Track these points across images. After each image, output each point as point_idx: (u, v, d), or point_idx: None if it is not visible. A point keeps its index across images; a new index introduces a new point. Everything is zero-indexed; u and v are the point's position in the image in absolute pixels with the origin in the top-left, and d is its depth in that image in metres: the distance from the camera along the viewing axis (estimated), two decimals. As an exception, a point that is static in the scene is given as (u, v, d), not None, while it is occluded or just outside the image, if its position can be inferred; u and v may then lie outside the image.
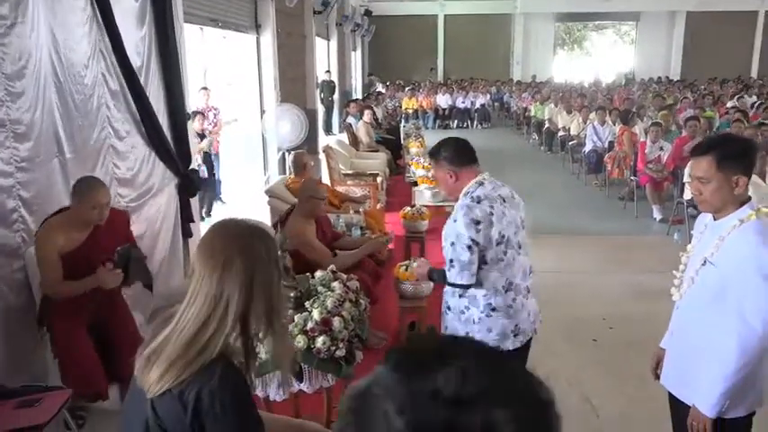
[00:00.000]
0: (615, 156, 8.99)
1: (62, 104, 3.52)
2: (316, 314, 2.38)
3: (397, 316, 4.08)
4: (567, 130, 12.35)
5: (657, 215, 7.85)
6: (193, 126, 7.13)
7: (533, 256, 2.86)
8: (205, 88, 7.81)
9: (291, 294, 2.51)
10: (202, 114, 7.33)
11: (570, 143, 11.72)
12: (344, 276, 2.73)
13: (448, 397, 0.61)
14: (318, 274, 2.75)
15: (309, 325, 2.36)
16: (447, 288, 2.72)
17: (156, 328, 1.48)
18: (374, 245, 4.21)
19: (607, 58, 29.80)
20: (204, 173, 7.31)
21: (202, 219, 7.44)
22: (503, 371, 0.66)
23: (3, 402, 2.58)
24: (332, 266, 2.81)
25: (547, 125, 13.94)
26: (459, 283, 2.59)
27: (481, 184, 2.66)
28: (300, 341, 2.32)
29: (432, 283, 3.92)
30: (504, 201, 2.67)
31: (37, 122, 3.25)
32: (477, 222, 2.53)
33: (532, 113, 15.75)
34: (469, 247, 2.53)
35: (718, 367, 2.03)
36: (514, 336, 2.66)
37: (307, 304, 2.47)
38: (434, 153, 2.76)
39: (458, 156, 2.70)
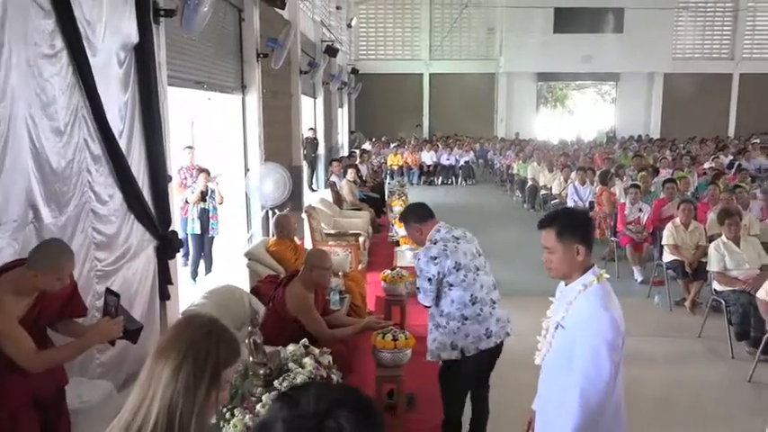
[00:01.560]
0: (596, 216, 9.10)
1: (38, 169, 3.52)
2: (285, 393, 2.34)
3: (375, 384, 4.02)
4: (550, 188, 12.52)
5: (638, 276, 7.89)
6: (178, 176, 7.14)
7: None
8: (190, 147, 7.86)
9: (261, 371, 2.47)
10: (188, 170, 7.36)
11: (552, 201, 11.86)
12: (317, 351, 2.70)
13: (310, 412, 1.05)
14: (291, 348, 2.72)
15: (278, 405, 2.31)
16: (431, 311, 3.59)
17: None
18: (368, 326, 4.17)
19: (589, 116, 30.54)
20: (197, 229, 7.28)
21: (194, 280, 7.37)
22: (342, 391, 1.13)
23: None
24: (304, 341, 2.78)
25: (530, 183, 14.13)
26: (425, 304, 3.58)
27: (438, 230, 3.65)
28: (268, 422, 2.26)
29: (409, 351, 3.91)
30: (458, 239, 3.62)
31: (6, 188, 3.20)
32: (435, 258, 3.48)
33: (515, 171, 15.98)
34: (429, 279, 3.48)
35: (568, 425, 2.15)
36: (487, 337, 3.47)
37: (276, 383, 2.43)
38: (403, 218, 3.80)
39: (419, 215, 3.73)
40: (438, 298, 3.55)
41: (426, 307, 3.64)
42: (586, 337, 2.16)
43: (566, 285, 2.36)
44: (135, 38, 4.65)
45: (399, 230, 7.65)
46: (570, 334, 2.23)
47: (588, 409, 2.12)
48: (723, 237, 5.93)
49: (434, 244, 3.56)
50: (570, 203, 10.25)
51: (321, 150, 15.75)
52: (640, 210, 8.20)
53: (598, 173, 10.63)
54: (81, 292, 3.80)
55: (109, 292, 3.22)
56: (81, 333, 3.05)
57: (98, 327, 2.95)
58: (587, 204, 9.89)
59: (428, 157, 19.27)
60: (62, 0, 3.63)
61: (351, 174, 10.74)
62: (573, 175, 11.25)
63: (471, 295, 3.49)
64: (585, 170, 10.78)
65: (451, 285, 3.49)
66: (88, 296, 3.94)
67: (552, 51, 23.85)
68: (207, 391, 1.44)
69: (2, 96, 3.18)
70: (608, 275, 2.34)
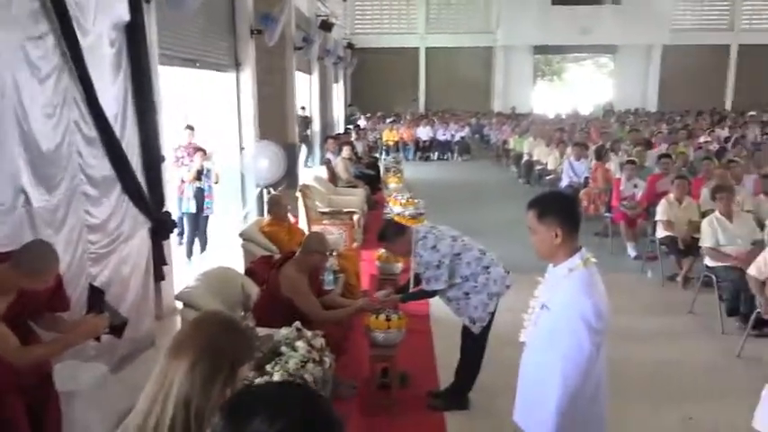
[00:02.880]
0: (590, 192, 9.11)
1: (27, 152, 3.51)
2: (277, 377, 2.38)
3: (368, 364, 4.08)
4: (545, 163, 12.51)
5: (632, 252, 7.94)
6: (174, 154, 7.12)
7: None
8: (190, 127, 7.82)
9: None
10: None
11: (547, 177, 11.86)
12: (309, 334, 2.73)
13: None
14: (283, 331, 2.75)
15: (270, 388, 2.35)
16: (450, 294, 3.94)
17: None
18: (362, 308, 4.22)
19: (586, 89, 30.33)
20: (192, 208, 7.28)
21: (189, 259, 7.39)
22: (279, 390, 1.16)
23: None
24: (297, 324, 2.82)
25: (526, 158, 14.11)
26: (439, 288, 3.90)
27: (417, 231, 4.06)
28: (260, 406, 2.31)
29: (402, 330, 3.97)
30: (433, 227, 4.13)
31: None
32: (434, 246, 3.89)
33: (511, 146, 15.95)
34: (438, 266, 3.85)
35: (547, 403, 2.23)
36: (507, 273, 3.96)
37: (268, 367, 2.47)
38: (385, 239, 4.16)
39: (397, 230, 4.16)
40: (452, 276, 3.88)
41: (435, 293, 3.98)
42: (568, 321, 2.21)
43: (553, 267, 2.40)
44: (126, 17, 4.61)
45: (395, 208, 7.66)
46: (554, 316, 2.28)
47: (568, 389, 2.19)
48: (716, 212, 5.96)
49: (424, 238, 3.93)
50: (565, 179, 10.24)
51: (317, 128, 15.68)
52: (635, 186, 8.20)
53: (593, 148, 10.61)
54: (74, 275, 3.84)
55: (93, 288, 3.22)
56: (64, 328, 3.06)
57: (84, 323, 2.96)
58: (582, 180, 9.89)
59: (424, 133, 19.20)
60: (49, -19, 3.60)
61: (346, 151, 10.71)
62: (568, 150, 11.23)
63: (478, 250, 3.98)
64: (581, 145, 10.76)
65: (459, 255, 3.90)
66: (81, 280, 3.97)
67: (550, 23, 23.65)
68: (222, 387, 1.46)
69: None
70: (595, 260, 2.36)
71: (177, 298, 4.05)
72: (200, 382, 1.42)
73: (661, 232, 6.90)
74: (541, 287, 2.50)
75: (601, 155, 9.78)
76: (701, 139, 13.13)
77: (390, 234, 4.10)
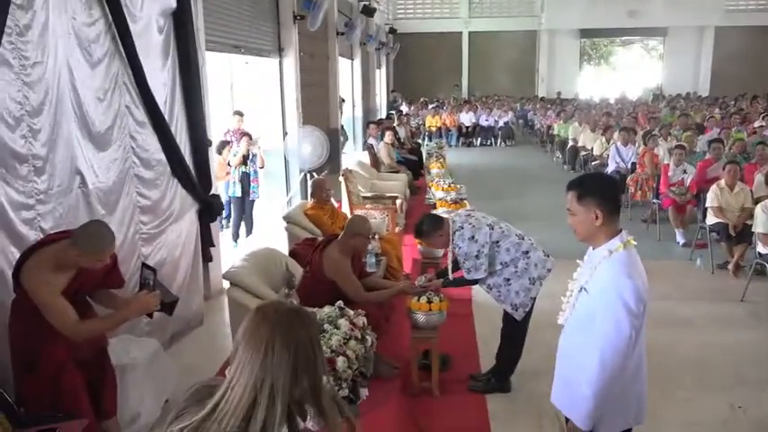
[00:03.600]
0: (637, 178, 8.91)
1: (83, 136, 3.64)
2: (320, 354, 2.44)
3: (410, 345, 4.11)
4: (590, 149, 12.27)
5: (680, 239, 7.75)
6: (221, 157, 7.28)
7: (548, 280, 3.89)
8: (239, 113, 7.98)
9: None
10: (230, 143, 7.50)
11: (593, 163, 11.64)
12: (351, 312, 2.77)
13: None
14: (326, 309, 2.80)
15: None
16: (491, 281, 3.93)
17: (181, 404, 1.44)
18: (403, 290, 4.25)
19: (634, 73, 29.54)
20: (238, 192, 7.42)
21: (235, 242, 7.56)
22: None
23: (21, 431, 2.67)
24: (340, 303, 2.86)
25: (570, 143, 13.86)
26: (480, 277, 3.88)
27: (453, 221, 4.02)
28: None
29: (444, 313, 3.98)
30: (470, 214, 4.10)
31: (53, 155, 3.33)
32: (472, 237, 3.86)
33: (556, 132, 15.68)
34: (476, 256, 3.85)
35: (586, 385, 2.22)
36: (546, 256, 3.96)
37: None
38: (421, 234, 4.12)
39: (433, 223, 4.07)
40: (491, 264, 3.89)
41: (476, 282, 4.00)
42: (608, 303, 2.18)
43: (593, 249, 2.37)
44: (173, 3, 4.71)
45: (437, 193, 7.65)
46: (593, 298, 2.26)
47: (606, 371, 2.18)
48: (770, 198, 5.77)
49: (461, 229, 3.92)
50: (612, 165, 10.03)
51: (358, 114, 15.73)
52: (684, 171, 7.98)
53: (641, 133, 10.35)
54: (126, 255, 3.98)
55: (145, 266, 3.34)
56: (118, 304, 3.19)
57: (136, 300, 3.07)
58: (629, 166, 9.67)
59: (467, 119, 19.03)
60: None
61: (388, 136, 10.71)
62: (615, 135, 10.98)
63: (516, 235, 3.97)
64: (628, 130, 10.50)
65: (498, 242, 3.89)
66: (133, 259, 4.11)
67: (596, 6, 23.07)
68: (322, 362, 1.46)
69: (47, 65, 3.29)
70: (635, 242, 2.33)
71: (225, 277, 4.16)
72: (305, 376, 1.42)
73: (711, 219, 6.72)
74: (580, 270, 2.47)
75: (646, 140, 9.54)
76: (756, 124, 12.65)
77: (427, 229, 4.07)
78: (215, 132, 6.15)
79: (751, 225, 5.92)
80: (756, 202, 6.27)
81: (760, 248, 5.72)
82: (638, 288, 2.18)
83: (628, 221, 8.82)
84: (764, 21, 23.80)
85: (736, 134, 10.62)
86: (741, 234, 6.38)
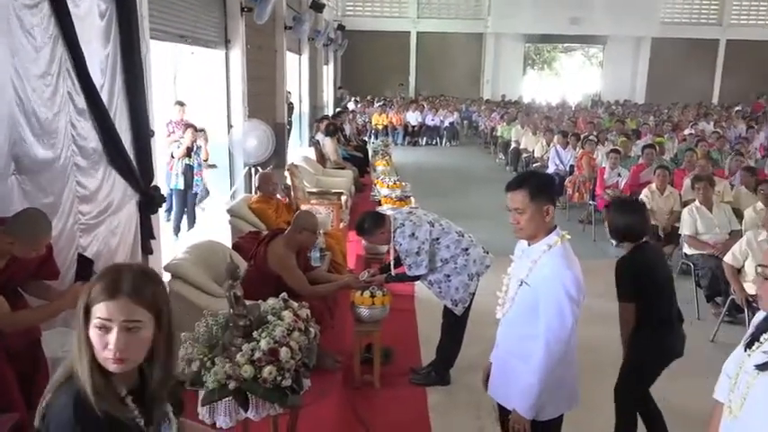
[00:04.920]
0: (575, 180, 9.23)
1: (25, 121, 3.51)
2: (263, 344, 2.45)
3: (352, 339, 4.15)
4: (532, 151, 12.61)
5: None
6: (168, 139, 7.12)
7: (488, 277, 3.96)
8: (181, 103, 7.79)
9: (241, 323, 2.57)
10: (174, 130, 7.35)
11: (534, 165, 11.96)
12: (295, 305, 2.80)
13: None
14: (270, 301, 2.81)
15: (257, 354, 2.43)
16: (432, 277, 4.04)
17: None
18: (348, 285, 4.29)
19: (575, 79, 30.48)
20: (180, 185, 7.28)
21: (176, 235, 7.41)
22: None
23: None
24: (284, 295, 2.88)
25: (513, 145, 14.20)
26: (421, 273, 3.97)
27: (394, 218, 4.08)
28: (247, 371, 2.38)
29: (386, 307, 4.05)
30: (411, 212, 4.22)
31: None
32: (412, 233, 3.94)
33: (499, 134, 16.03)
34: (417, 252, 3.94)
35: (531, 373, 2.33)
36: (486, 253, 4.12)
37: (255, 334, 2.53)
38: (363, 231, 4.15)
39: (375, 220, 4.12)
40: (432, 260, 3.98)
41: (417, 278, 4.09)
42: (551, 293, 2.31)
43: (529, 245, 2.48)
44: (117, -13, 4.59)
45: (382, 190, 7.72)
46: (534, 290, 2.37)
47: (551, 358, 2.30)
48: (696, 202, 6.09)
49: (402, 226, 3.99)
50: (551, 167, 10.36)
51: (305, 110, 15.63)
52: (619, 174, 8.33)
53: (578, 138, 10.72)
54: (64, 245, 3.86)
55: (82, 258, 3.24)
56: (52, 296, 3.08)
57: (71, 291, 2.98)
58: (567, 168, 10.00)
59: (413, 118, 19.22)
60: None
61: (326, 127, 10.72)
62: (555, 138, 11.34)
63: (456, 232, 4.08)
64: (567, 134, 10.86)
65: (438, 239, 4.00)
66: (71, 250, 3.99)
67: (541, 12, 23.66)
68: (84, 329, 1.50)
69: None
70: (569, 236, 2.45)
71: (166, 269, 4.09)
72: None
73: (643, 221, 7.01)
74: (514, 265, 2.59)
75: (584, 143, 9.90)
76: (686, 132, 13.28)
77: (368, 226, 4.12)
78: (158, 123, 6.01)
79: (678, 227, 6.23)
80: (684, 205, 6.61)
81: (685, 249, 6.03)
82: (578, 278, 2.32)
83: (565, 222, 9.12)
84: (697, 34, 25.03)
85: (658, 139, 11.10)
86: (669, 236, 6.70)
